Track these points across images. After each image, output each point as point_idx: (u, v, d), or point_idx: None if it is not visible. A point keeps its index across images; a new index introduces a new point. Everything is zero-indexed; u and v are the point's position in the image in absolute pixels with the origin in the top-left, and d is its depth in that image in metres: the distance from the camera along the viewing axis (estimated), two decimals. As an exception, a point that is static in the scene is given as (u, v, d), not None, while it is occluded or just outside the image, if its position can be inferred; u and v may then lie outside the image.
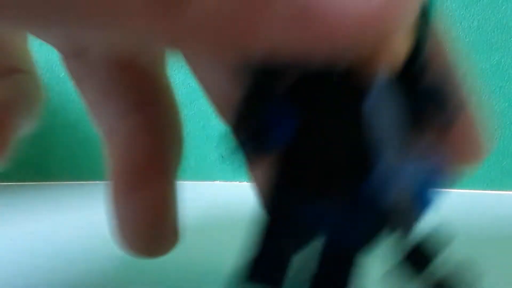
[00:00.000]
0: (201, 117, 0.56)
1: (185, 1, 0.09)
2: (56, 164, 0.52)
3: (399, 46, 0.11)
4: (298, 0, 0.09)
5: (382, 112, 0.11)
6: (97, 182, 0.44)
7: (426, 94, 0.12)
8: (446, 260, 0.13)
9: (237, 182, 0.54)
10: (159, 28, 0.09)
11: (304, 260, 0.12)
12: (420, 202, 0.12)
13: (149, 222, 0.18)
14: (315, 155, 0.12)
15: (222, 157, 0.12)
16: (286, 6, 0.09)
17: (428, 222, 0.13)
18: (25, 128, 0.22)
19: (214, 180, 0.54)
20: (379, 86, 0.10)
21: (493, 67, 0.49)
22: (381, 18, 0.08)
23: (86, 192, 0.50)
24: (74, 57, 0.20)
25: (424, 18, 0.12)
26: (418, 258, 0.13)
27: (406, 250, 0.13)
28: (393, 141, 0.11)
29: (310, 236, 0.12)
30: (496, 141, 0.49)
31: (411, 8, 0.09)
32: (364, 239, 0.12)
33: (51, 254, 0.25)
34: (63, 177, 0.52)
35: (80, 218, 0.35)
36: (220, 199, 0.42)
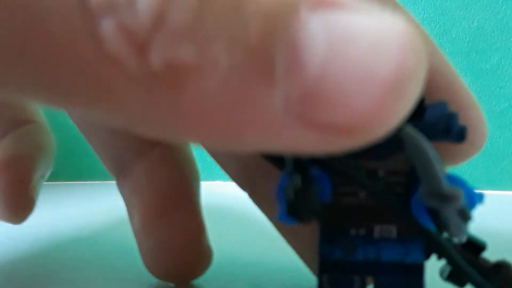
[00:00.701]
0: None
1: (180, 87, 0.08)
2: (55, 164, 0.52)
3: None
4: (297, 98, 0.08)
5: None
6: (97, 182, 0.44)
7: (431, 122, 0.13)
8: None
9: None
10: (151, 114, 0.09)
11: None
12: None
13: (182, 247, 0.18)
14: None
15: (277, 218, 0.13)
16: (286, 98, 0.08)
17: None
18: (43, 178, 0.23)
19: (214, 180, 0.54)
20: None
21: (493, 68, 0.49)
22: (384, 111, 0.08)
23: (86, 192, 0.50)
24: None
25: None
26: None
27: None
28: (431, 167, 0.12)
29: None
30: (496, 142, 0.49)
31: (412, 94, 0.09)
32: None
33: (51, 254, 0.25)
34: (62, 177, 0.52)
35: (80, 218, 0.35)
36: (220, 199, 0.42)
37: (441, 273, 0.15)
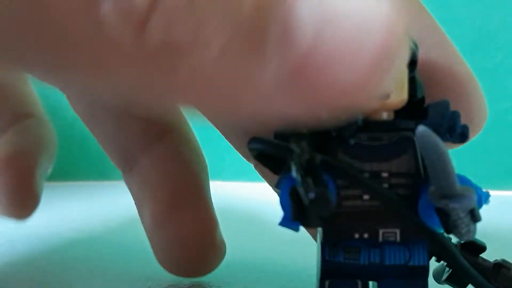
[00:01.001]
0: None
1: (175, 63, 0.09)
2: (54, 164, 0.52)
3: (396, 96, 0.13)
4: (288, 66, 0.09)
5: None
6: (96, 182, 0.44)
7: (435, 122, 0.13)
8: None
9: (237, 182, 0.54)
10: (152, 81, 0.09)
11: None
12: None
13: (196, 242, 0.18)
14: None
15: (279, 224, 0.13)
16: (277, 72, 0.09)
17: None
18: (46, 173, 0.23)
19: (214, 180, 0.54)
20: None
21: (496, 66, 0.49)
22: (367, 85, 0.09)
23: (85, 192, 0.50)
24: (81, 95, 0.20)
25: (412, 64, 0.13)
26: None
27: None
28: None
29: None
30: (499, 141, 0.49)
31: (394, 72, 0.09)
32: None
33: (50, 254, 0.25)
34: (62, 177, 0.52)
35: (79, 219, 0.34)
36: (220, 199, 0.42)
37: (436, 276, 0.15)
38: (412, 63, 0.13)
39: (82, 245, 0.27)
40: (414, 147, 0.13)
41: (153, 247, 0.19)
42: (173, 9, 0.09)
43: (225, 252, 0.19)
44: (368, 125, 0.13)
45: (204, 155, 0.21)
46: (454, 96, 0.15)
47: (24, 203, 0.21)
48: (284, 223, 0.13)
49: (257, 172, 0.18)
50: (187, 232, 0.18)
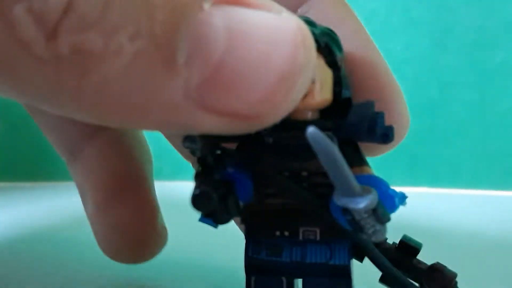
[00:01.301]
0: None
1: (85, 71, 0.09)
2: (53, 164, 0.52)
3: (319, 96, 0.13)
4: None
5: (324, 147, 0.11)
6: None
7: (354, 122, 0.13)
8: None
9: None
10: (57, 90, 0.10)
11: None
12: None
13: (136, 228, 0.18)
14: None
15: (199, 220, 0.13)
16: (186, 84, 0.09)
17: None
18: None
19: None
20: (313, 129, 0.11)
21: (497, 66, 0.49)
22: (274, 100, 0.10)
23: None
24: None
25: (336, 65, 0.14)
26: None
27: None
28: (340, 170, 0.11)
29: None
30: (500, 141, 0.49)
31: (301, 84, 0.10)
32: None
33: (49, 254, 0.25)
34: (61, 177, 0.52)
35: (79, 218, 0.34)
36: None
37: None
38: (335, 64, 0.13)
39: (82, 245, 0.27)
40: None
41: (95, 234, 0.19)
42: (86, 15, 0.09)
43: (166, 239, 0.19)
44: (289, 124, 0.13)
45: (148, 145, 0.21)
46: (376, 99, 0.15)
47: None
48: (202, 219, 0.13)
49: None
50: (128, 217, 0.18)
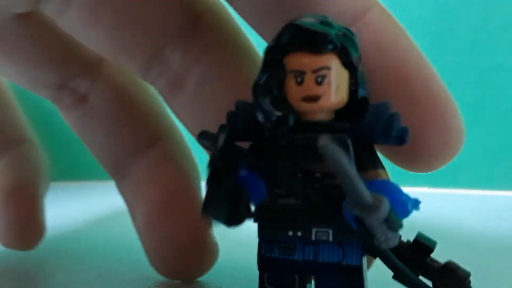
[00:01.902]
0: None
1: None
2: (53, 164, 0.52)
3: (334, 97, 0.13)
4: None
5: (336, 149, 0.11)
6: (96, 182, 0.44)
7: (368, 124, 0.13)
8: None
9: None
10: None
11: None
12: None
13: (189, 245, 0.18)
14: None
15: (211, 223, 0.13)
16: None
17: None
18: (44, 199, 0.22)
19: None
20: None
21: (497, 66, 0.49)
22: None
23: (85, 192, 0.50)
24: (73, 107, 0.20)
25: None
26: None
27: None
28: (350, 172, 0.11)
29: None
30: (500, 141, 0.49)
31: None
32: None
33: (49, 254, 0.25)
34: (62, 177, 0.52)
35: (79, 218, 0.34)
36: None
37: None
38: (351, 65, 0.13)
39: (81, 245, 0.27)
40: (346, 148, 0.13)
41: (146, 250, 0.19)
42: None
43: (217, 255, 0.19)
44: (304, 125, 0.13)
45: (195, 159, 0.21)
46: (429, 119, 0.15)
47: (31, 235, 0.21)
48: (215, 220, 0.13)
49: None
50: (179, 234, 0.18)
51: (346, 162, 0.11)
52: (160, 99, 0.20)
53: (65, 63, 0.20)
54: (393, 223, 0.12)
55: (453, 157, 0.15)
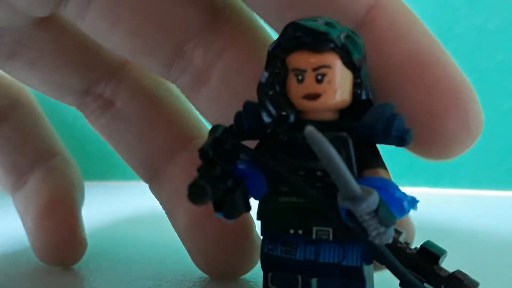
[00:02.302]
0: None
1: None
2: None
3: (336, 97, 0.13)
4: None
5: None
6: (96, 182, 0.44)
7: (367, 124, 0.14)
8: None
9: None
10: None
11: None
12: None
13: (235, 242, 0.19)
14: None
15: (215, 213, 0.14)
16: None
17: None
18: (81, 210, 0.22)
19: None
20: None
21: (497, 66, 0.49)
22: None
23: (85, 192, 0.50)
24: (100, 113, 0.20)
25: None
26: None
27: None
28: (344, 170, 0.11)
29: None
30: (500, 141, 0.49)
31: None
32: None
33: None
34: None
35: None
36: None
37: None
38: (353, 65, 0.13)
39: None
40: (347, 147, 0.13)
41: (189, 249, 0.19)
42: None
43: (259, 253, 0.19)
44: (306, 124, 0.14)
45: None
46: (449, 102, 0.15)
47: (73, 250, 0.21)
48: (217, 212, 0.14)
49: None
50: (223, 231, 0.18)
51: (332, 150, 0.11)
52: (184, 98, 0.20)
53: (88, 68, 0.20)
54: (385, 218, 0.12)
55: (472, 142, 0.15)
